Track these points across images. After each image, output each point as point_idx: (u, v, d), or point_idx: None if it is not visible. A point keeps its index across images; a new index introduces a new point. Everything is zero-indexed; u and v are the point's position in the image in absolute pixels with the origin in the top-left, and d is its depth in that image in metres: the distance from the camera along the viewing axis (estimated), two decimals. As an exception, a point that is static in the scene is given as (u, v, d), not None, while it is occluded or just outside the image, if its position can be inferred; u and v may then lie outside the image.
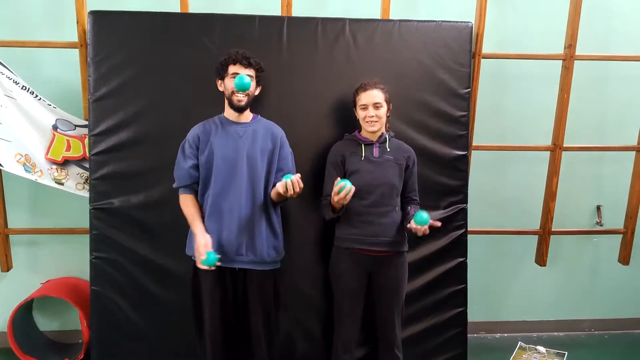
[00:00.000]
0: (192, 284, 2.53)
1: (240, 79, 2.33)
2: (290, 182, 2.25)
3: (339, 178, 2.36)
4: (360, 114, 2.56)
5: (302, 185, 2.29)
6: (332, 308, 2.69)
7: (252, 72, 2.45)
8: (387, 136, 2.59)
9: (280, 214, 2.60)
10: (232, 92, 2.42)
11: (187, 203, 2.49)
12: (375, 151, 2.56)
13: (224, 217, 2.42)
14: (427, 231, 2.35)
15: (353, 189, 2.32)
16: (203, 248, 2.31)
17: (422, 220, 2.32)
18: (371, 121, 2.51)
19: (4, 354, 3.23)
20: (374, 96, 2.51)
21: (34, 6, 3.03)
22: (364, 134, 2.61)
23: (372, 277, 2.60)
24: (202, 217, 2.46)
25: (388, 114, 2.59)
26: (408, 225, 2.41)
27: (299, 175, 2.29)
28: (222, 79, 2.47)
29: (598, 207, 3.60)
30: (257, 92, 2.54)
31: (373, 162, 2.54)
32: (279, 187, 2.31)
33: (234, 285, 2.51)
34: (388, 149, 2.57)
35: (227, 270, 2.47)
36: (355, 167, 2.54)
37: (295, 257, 2.77)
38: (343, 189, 2.30)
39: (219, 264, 2.30)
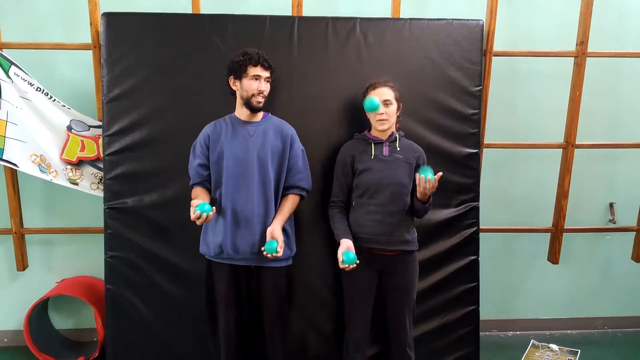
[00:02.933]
0: (206, 282, 2.56)
1: (371, 102, 2.46)
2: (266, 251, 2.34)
3: (340, 254, 2.37)
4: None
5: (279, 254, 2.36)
6: (343, 306, 2.70)
7: (269, 73, 2.47)
8: (397, 135, 2.59)
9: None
10: (253, 95, 2.44)
11: (195, 191, 2.53)
12: (385, 150, 2.56)
13: (237, 216, 2.44)
14: (434, 184, 2.32)
15: (355, 264, 2.36)
16: (196, 204, 2.28)
17: (425, 171, 2.33)
18: (381, 119, 2.52)
19: (20, 352, 3.28)
20: (383, 93, 2.51)
21: (48, 9, 3.07)
22: (374, 132, 2.61)
23: (382, 276, 2.61)
24: (216, 215, 2.48)
25: (398, 113, 2.59)
26: (417, 193, 2.41)
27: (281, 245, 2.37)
28: (239, 78, 2.47)
29: (611, 205, 3.57)
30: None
31: (383, 161, 2.54)
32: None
33: (248, 282, 2.53)
34: (398, 148, 2.57)
35: (241, 268, 2.50)
36: (365, 166, 2.55)
37: (306, 255, 2.78)
38: (199, 216, 2.28)
39: (212, 214, 2.29)
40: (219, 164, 2.48)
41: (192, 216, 2.25)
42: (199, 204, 2.26)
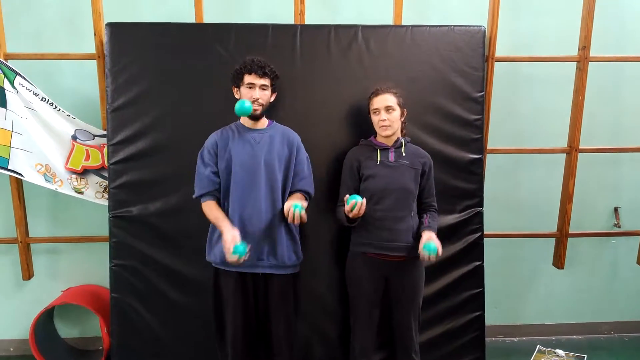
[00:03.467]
0: (214, 290, 2.55)
1: (241, 105, 2.35)
2: (293, 213, 2.30)
3: (347, 196, 2.37)
4: (374, 118, 2.58)
5: (304, 220, 2.33)
6: (349, 312, 2.70)
7: (267, 81, 2.47)
8: (402, 141, 2.59)
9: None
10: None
11: (211, 208, 2.49)
12: (391, 156, 2.57)
13: (244, 223, 2.44)
14: (433, 260, 2.39)
15: (364, 201, 2.35)
16: (231, 242, 2.27)
17: (430, 248, 2.37)
18: (384, 125, 2.52)
19: (26, 360, 3.29)
20: (385, 100, 2.52)
21: (52, 19, 3.09)
22: (379, 139, 2.62)
23: (388, 282, 2.61)
24: None
25: (402, 119, 2.60)
26: (419, 250, 2.43)
27: (304, 208, 2.34)
28: (238, 87, 2.50)
29: (616, 209, 3.56)
30: (272, 99, 2.56)
31: (389, 167, 2.55)
32: (285, 207, 2.37)
33: (255, 290, 2.53)
34: (404, 154, 2.57)
35: (249, 275, 2.50)
36: (371, 172, 2.55)
37: (311, 261, 2.78)
38: (354, 206, 2.32)
39: (245, 258, 2.29)
40: (227, 171, 2.48)
41: (230, 258, 2.27)
42: (235, 246, 2.26)
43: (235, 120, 2.58)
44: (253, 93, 2.45)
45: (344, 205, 2.53)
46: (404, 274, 2.57)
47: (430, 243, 2.38)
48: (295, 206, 2.31)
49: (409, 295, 2.59)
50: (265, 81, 2.47)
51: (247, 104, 2.36)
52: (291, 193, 2.54)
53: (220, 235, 2.44)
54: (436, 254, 2.36)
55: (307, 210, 2.53)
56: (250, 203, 2.44)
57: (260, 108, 2.47)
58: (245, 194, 2.44)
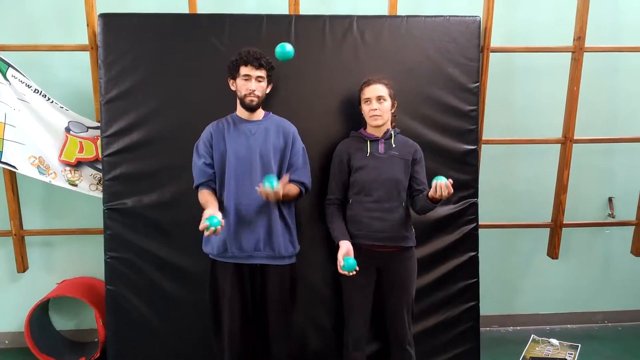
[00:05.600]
0: (211, 281, 2.56)
1: (282, 48, 2.30)
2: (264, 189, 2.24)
3: (341, 260, 2.38)
4: (364, 108, 2.57)
5: (277, 195, 2.25)
6: (342, 304, 2.70)
7: (263, 72, 2.46)
8: (392, 132, 2.59)
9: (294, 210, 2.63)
10: (245, 95, 2.44)
11: (202, 194, 2.50)
12: (381, 147, 2.56)
13: (240, 214, 2.44)
14: (450, 189, 2.25)
15: (355, 271, 2.35)
16: (207, 215, 2.23)
17: (439, 178, 2.25)
18: (374, 115, 2.52)
19: (21, 353, 3.28)
20: (377, 90, 2.52)
21: (45, 10, 3.07)
22: (369, 130, 2.62)
23: (380, 273, 2.61)
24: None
25: (393, 110, 2.59)
26: (430, 194, 2.33)
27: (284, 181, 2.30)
28: (234, 78, 2.49)
29: (610, 199, 3.58)
30: (268, 90, 2.55)
31: (378, 158, 2.55)
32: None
33: (252, 281, 2.53)
34: (394, 145, 2.57)
35: (245, 266, 2.50)
36: (361, 163, 2.55)
37: (306, 252, 2.77)
38: (208, 228, 2.19)
39: (220, 228, 2.21)
40: (222, 163, 2.48)
41: (201, 226, 2.19)
42: (210, 216, 2.20)
43: (229, 112, 2.57)
44: (249, 85, 2.44)
45: (331, 199, 2.58)
46: (395, 265, 2.58)
47: (438, 177, 2.27)
48: (269, 181, 2.22)
49: (402, 286, 2.59)
50: (262, 73, 2.46)
51: (288, 47, 2.33)
52: None
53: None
54: (445, 184, 2.24)
55: (298, 197, 2.56)
56: (246, 194, 2.43)
57: (256, 99, 2.46)
58: (240, 185, 2.44)
